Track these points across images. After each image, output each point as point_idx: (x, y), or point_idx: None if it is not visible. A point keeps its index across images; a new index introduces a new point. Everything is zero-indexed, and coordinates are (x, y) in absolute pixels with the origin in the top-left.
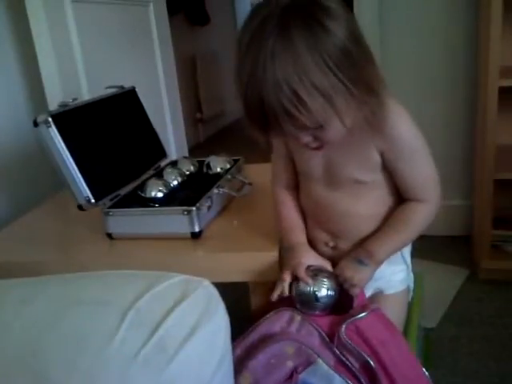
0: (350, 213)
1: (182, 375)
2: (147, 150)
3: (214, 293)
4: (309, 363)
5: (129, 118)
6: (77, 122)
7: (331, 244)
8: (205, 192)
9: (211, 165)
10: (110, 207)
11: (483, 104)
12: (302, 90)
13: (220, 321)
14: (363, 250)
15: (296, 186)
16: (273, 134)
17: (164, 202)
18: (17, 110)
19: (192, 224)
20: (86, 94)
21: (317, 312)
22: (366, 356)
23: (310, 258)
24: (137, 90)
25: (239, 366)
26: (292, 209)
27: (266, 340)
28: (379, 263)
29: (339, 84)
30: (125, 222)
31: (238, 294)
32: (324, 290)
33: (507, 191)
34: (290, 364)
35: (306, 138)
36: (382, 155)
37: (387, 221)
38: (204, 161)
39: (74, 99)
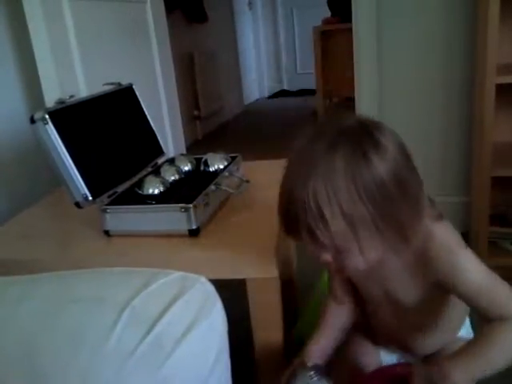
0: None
1: (179, 372)
2: (144, 147)
3: (211, 290)
4: None
5: (126, 115)
6: (74, 119)
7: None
8: (202, 189)
9: (208, 162)
10: (108, 204)
11: (480, 101)
12: (327, 209)
13: (217, 318)
14: (438, 368)
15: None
16: (298, 240)
17: (161, 199)
18: (14, 107)
19: (189, 221)
20: (84, 91)
21: None
22: None
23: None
24: (134, 87)
25: None
26: (331, 318)
27: None
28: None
29: (366, 215)
30: (122, 219)
31: (235, 291)
32: None
33: (504, 188)
34: None
35: (325, 257)
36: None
37: (469, 344)
38: (201, 158)
39: (71, 96)
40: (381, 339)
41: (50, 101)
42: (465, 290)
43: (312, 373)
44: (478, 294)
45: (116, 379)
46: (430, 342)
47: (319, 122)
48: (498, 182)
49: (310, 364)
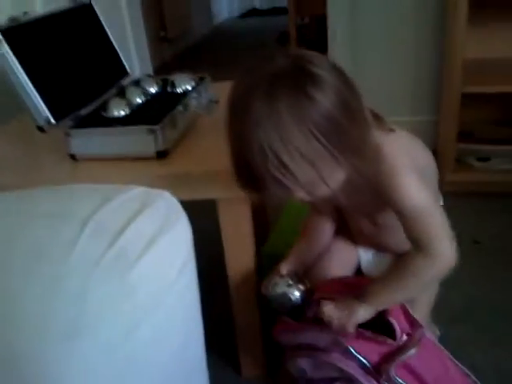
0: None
1: (144, 281)
2: (107, 68)
3: (175, 203)
4: (351, 382)
5: (86, 35)
6: (30, 39)
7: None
8: (169, 111)
9: (176, 83)
10: (72, 128)
11: (452, 16)
12: (286, 156)
13: (182, 229)
14: (362, 290)
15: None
16: (263, 194)
17: (127, 121)
18: None
19: (157, 143)
20: (39, 9)
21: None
22: None
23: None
24: (93, 3)
25: (290, 352)
26: (312, 231)
27: (312, 351)
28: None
29: (322, 149)
30: (88, 142)
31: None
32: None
33: (473, 105)
34: (334, 373)
35: (300, 194)
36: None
37: (388, 271)
38: (168, 79)
39: (25, 13)
40: (359, 241)
41: (1, 18)
42: (401, 212)
43: (290, 279)
44: (413, 220)
45: (81, 290)
46: (405, 244)
47: (250, 67)
48: (468, 100)
49: (287, 271)
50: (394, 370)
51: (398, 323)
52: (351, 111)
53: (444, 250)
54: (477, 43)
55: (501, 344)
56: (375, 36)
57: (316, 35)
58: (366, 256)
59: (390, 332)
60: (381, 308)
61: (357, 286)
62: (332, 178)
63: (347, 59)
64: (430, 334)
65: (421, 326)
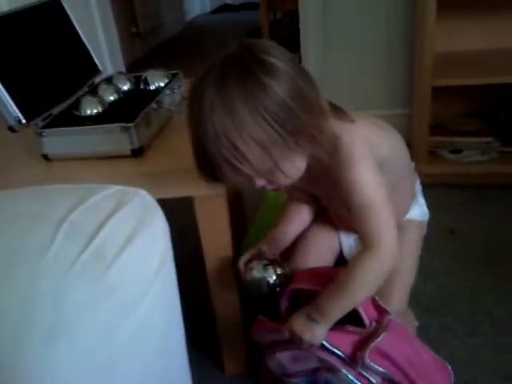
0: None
1: (122, 280)
2: (78, 65)
3: (151, 201)
4: (332, 371)
5: (55, 32)
6: None
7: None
8: (143, 108)
9: (148, 80)
10: (44, 127)
11: (422, 10)
12: (240, 141)
13: (158, 227)
14: (314, 306)
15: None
16: (224, 182)
17: (100, 119)
18: None
19: (131, 141)
20: (4, 5)
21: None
22: (393, 375)
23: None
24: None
25: (269, 349)
26: (290, 215)
27: (289, 344)
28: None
29: (276, 136)
30: (60, 142)
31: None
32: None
33: (445, 98)
34: (314, 364)
35: (261, 182)
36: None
37: (339, 276)
38: (141, 76)
39: None
40: (339, 225)
41: None
42: (351, 205)
43: (267, 262)
44: (362, 215)
45: (56, 291)
46: None
47: (208, 56)
48: (439, 93)
49: (262, 251)
50: (367, 357)
51: (365, 312)
52: (305, 100)
53: (388, 244)
54: (446, 37)
55: (477, 332)
56: (347, 32)
57: (289, 31)
58: (347, 241)
59: (359, 321)
60: (339, 316)
61: (328, 276)
62: (289, 166)
63: (320, 55)
64: (400, 319)
65: (387, 312)
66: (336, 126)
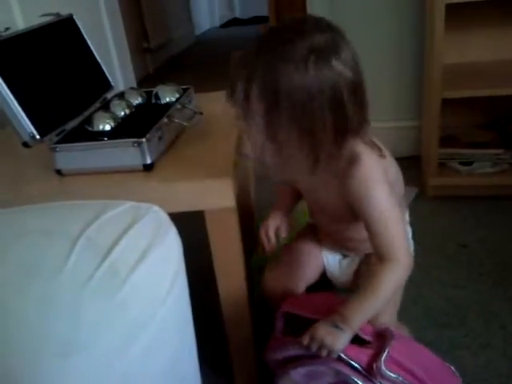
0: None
1: (136, 295)
2: (91, 81)
3: (164, 217)
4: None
5: (69, 49)
6: (12, 54)
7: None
8: (154, 123)
9: (160, 95)
10: (57, 143)
11: (430, 22)
12: (253, 83)
13: (171, 243)
14: (339, 315)
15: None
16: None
17: (113, 134)
18: None
19: (143, 156)
20: (20, 24)
21: None
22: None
23: (277, 218)
24: (75, 17)
25: (282, 369)
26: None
27: (304, 359)
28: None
29: (285, 114)
30: (74, 157)
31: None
32: None
33: (454, 110)
34: (329, 379)
35: (247, 149)
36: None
37: (362, 285)
38: (152, 91)
39: (7, 29)
40: (324, 239)
41: None
42: (368, 221)
43: None
44: (377, 229)
45: (73, 306)
46: (365, 245)
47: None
48: (449, 104)
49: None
50: (384, 365)
51: (361, 329)
52: (355, 104)
53: (405, 258)
54: (455, 49)
55: (490, 345)
56: (356, 45)
57: None
58: (332, 260)
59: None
60: (360, 325)
61: (327, 305)
62: (256, 143)
63: None
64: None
65: (382, 324)
66: (361, 145)
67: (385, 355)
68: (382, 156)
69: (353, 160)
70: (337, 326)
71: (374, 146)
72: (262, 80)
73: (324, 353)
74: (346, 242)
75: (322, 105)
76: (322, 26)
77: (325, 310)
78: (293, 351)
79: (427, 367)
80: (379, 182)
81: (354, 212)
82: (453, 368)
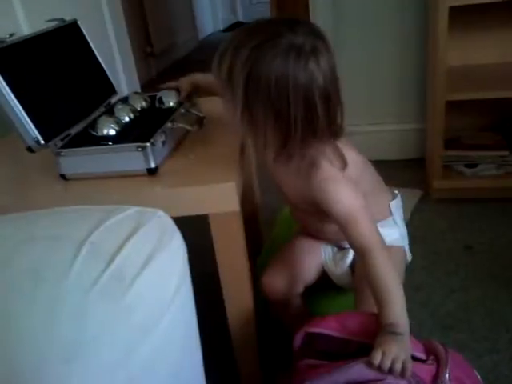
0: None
1: (140, 302)
2: (95, 86)
3: (169, 222)
4: None
5: (73, 54)
6: (17, 60)
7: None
8: (158, 127)
9: (163, 99)
10: (61, 147)
11: (434, 25)
12: (238, 75)
13: (176, 248)
14: (389, 325)
15: None
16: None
17: (117, 139)
18: None
19: (147, 160)
20: (25, 29)
21: None
22: None
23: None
24: (79, 22)
25: None
26: None
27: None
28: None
29: (266, 101)
30: (78, 161)
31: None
32: None
33: (459, 112)
34: None
35: (231, 128)
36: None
37: (373, 292)
38: (156, 95)
39: (12, 35)
40: (304, 229)
41: None
42: (336, 217)
43: None
44: (346, 223)
45: (78, 311)
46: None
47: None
48: (453, 107)
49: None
50: (448, 379)
51: (415, 349)
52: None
53: (377, 245)
54: (459, 51)
55: (496, 349)
56: (360, 47)
57: None
58: (328, 253)
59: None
60: (406, 322)
61: (355, 324)
62: (235, 117)
63: None
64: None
65: (429, 340)
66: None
67: (448, 371)
68: (342, 167)
69: (313, 163)
70: (397, 333)
71: (336, 152)
72: (246, 58)
73: (398, 367)
74: (322, 234)
75: (296, 96)
76: (313, 30)
77: (358, 329)
78: (356, 375)
79: (469, 375)
80: (340, 182)
81: (321, 209)
82: (475, 371)
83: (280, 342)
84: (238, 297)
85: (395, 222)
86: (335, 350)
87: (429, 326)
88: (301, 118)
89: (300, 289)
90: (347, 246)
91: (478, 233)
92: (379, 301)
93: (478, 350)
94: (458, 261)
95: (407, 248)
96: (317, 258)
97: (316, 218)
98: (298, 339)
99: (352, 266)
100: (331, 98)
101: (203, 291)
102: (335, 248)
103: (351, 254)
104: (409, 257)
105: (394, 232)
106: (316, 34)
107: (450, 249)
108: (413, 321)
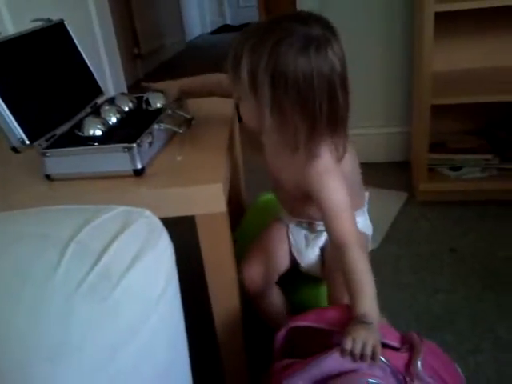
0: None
1: (126, 301)
2: (82, 87)
3: (156, 221)
4: None
5: (59, 54)
6: (2, 60)
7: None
8: (145, 128)
9: (150, 100)
10: (47, 148)
11: (420, 30)
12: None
13: (163, 248)
14: (360, 315)
15: None
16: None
17: (103, 140)
18: None
19: (134, 161)
20: (10, 29)
21: None
22: None
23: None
24: (66, 22)
25: None
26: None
27: (340, 376)
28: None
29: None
30: (63, 162)
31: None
32: None
33: (444, 116)
34: None
35: (235, 94)
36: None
37: (347, 284)
38: (142, 96)
39: None
40: (285, 208)
41: None
42: (324, 209)
43: None
44: (332, 217)
45: (64, 310)
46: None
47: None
48: (438, 111)
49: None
50: (420, 366)
51: (388, 338)
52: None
53: (353, 239)
54: (444, 56)
55: (479, 349)
56: (347, 52)
57: None
58: (297, 236)
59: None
60: (376, 313)
61: (334, 317)
62: (251, 115)
63: None
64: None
65: (409, 333)
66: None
67: (421, 359)
68: (340, 159)
69: (313, 154)
70: (367, 322)
71: (342, 142)
72: (268, 57)
73: (368, 350)
74: (302, 216)
75: (320, 86)
76: (322, 21)
77: (337, 321)
78: (326, 369)
79: (445, 366)
80: (335, 177)
81: (308, 196)
82: (456, 366)
83: (266, 342)
84: (224, 296)
85: (364, 213)
86: (316, 347)
87: (413, 327)
88: (326, 108)
89: (275, 277)
90: (320, 228)
91: (462, 235)
92: (352, 292)
93: (462, 350)
94: (441, 263)
95: (369, 233)
96: (286, 245)
97: (302, 203)
98: (280, 338)
99: (322, 249)
100: (347, 85)
101: (190, 291)
102: (305, 231)
103: (324, 237)
104: (371, 245)
105: (363, 220)
106: (325, 25)
107: (434, 250)
108: (388, 316)
